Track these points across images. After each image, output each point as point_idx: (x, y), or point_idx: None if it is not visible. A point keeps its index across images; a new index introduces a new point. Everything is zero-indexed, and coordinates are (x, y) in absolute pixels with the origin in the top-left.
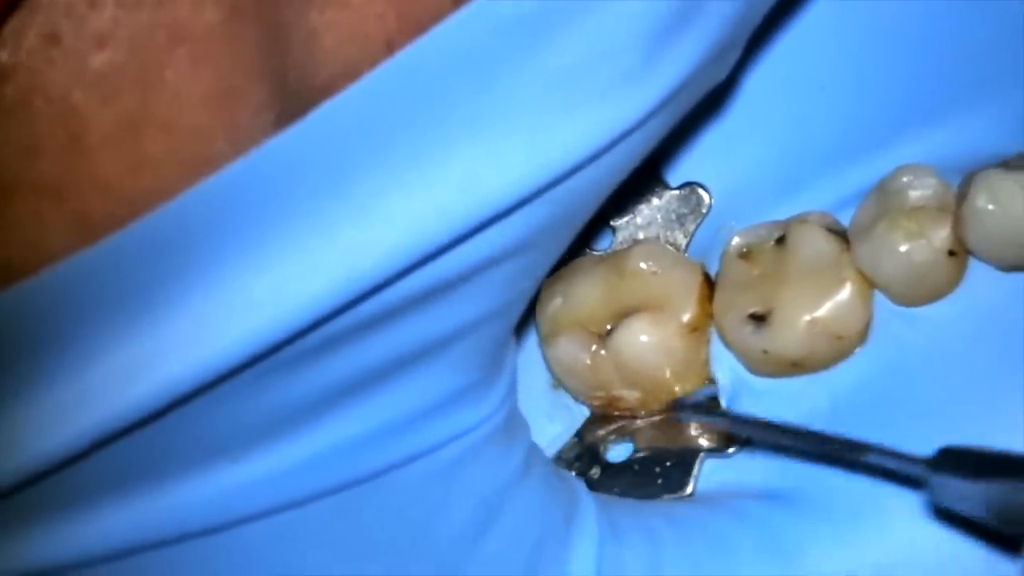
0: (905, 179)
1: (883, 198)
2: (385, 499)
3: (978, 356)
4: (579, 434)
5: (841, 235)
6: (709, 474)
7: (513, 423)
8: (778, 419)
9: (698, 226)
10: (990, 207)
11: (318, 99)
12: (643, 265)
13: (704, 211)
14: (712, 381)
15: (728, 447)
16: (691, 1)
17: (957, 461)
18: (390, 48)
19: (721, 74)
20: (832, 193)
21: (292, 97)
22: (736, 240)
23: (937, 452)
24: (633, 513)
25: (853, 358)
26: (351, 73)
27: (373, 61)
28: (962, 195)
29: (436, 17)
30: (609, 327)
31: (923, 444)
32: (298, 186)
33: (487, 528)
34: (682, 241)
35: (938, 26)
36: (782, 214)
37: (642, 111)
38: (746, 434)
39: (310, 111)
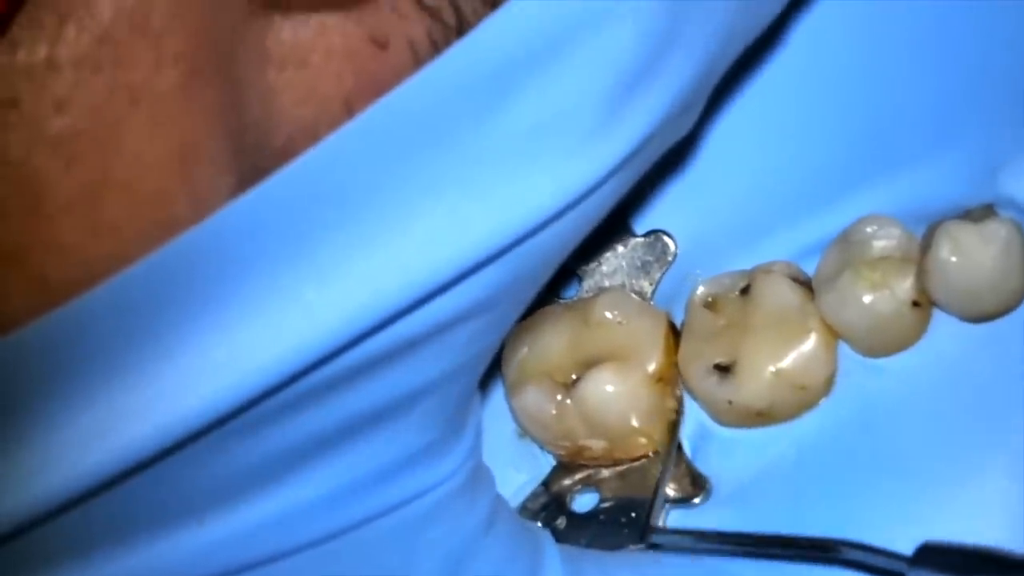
0: (869, 229)
1: (847, 248)
2: (352, 556)
3: (943, 407)
4: (545, 483)
5: (805, 285)
6: (675, 524)
7: (478, 475)
8: (736, 530)
9: (663, 274)
10: (953, 259)
11: (276, 160)
12: (608, 315)
13: (670, 259)
14: (676, 432)
15: (694, 497)
16: (653, 58)
17: (938, 558)
18: (348, 108)
19: (684, 129)
20: (796, 242)
21: (250, 158)
22: (701, 289)
23: (918, 548)
24: (598, 564)
25: (818, 408)
26: (309, 133)
27: (331, 121)
28: (926, 246)
29: (395, 78)
30: (575, 376)
31: (888, 496)
32: (258, 250)
33: None
34: (647, 289)
35: (900, 75)
36: (747, 263)
37: (605, 168)
38: (704, 548)
39: (269, 173)
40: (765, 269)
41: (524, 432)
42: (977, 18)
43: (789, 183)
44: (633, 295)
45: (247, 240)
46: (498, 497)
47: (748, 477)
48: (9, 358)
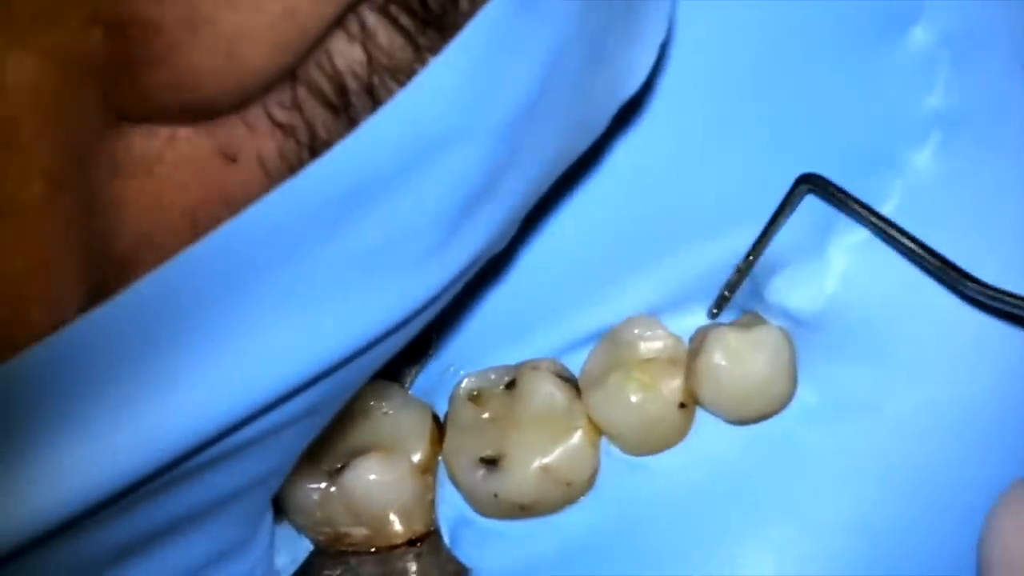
0: (636, 331)
1: (614, 348)
2: None
3: (704, 505)
4: (304, 569)
5: (571, 382)
6: None
7: (272, 566)
8: None
9: (423, 367)
10: (724, 363)
11: (117, 270)
12: (374, 404)
13: (430, 352)
14: (435, 522)
15: None
16: (492, 180)
17: None
18: (192, 219)
19: (503, 244)
20: (558, 339)
21: (96, 268)
22: (466, 383)
23: None
24: None
25: (580, 504)
26: (149, 243)
27: (173, 232)
28: (695, 350)
29: (243, 191)
30: (339, 465)
31: None
32: (108, 363)
33: None
34: (407, 381)
35: (666, 181)
36: (507, 358)
37: (441, 284)
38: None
39: (111, 283)
40: (532, 365)
41: (283, 516)
42: (750, 125)
43: (553, 280)
44: (398, 385)
45: (97, 353)
46: None
47: (509, 569)
48: None
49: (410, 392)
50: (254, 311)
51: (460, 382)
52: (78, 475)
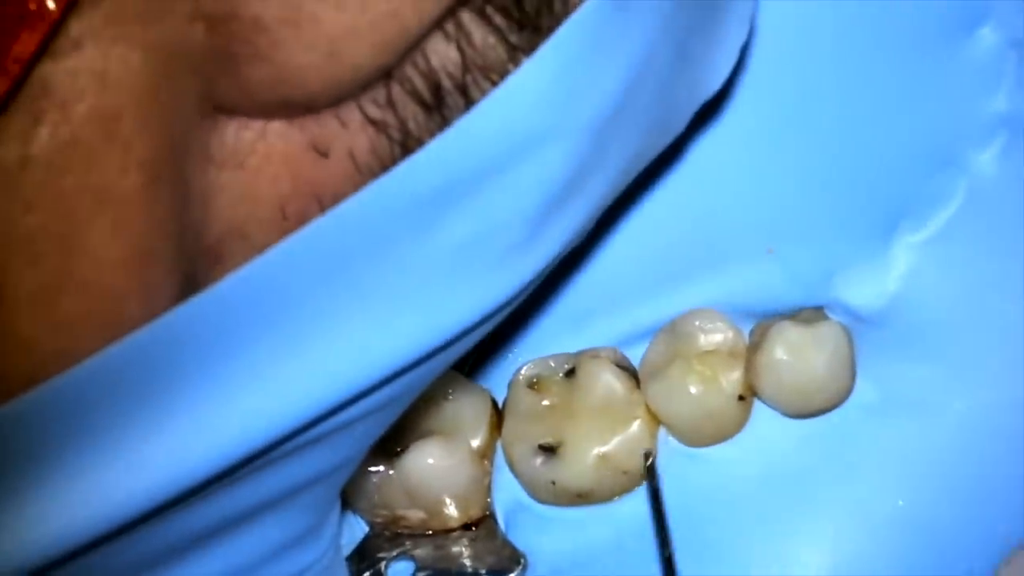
0: (697, 323)
1: (675, 340)
2: None
3: (759, 499)
4: (360, 551)
5: (630, 372)
6: None
7: (339, 549)
8: None
9: (482, 353)
10: (786, 358)
11: (206, 260)
12: (434, 389)
13: (487, 338)
14: (491, 507)
15: (509, 572)
16: (577, 178)
17: None
18: (282, 212)
19: (580, 240)
20: (619, 329)
21: (188, 259)
22: (525, 370)
23: None
24: None
25: (637, 493)
26: (239, 234)
27: (263, 224)
28: (756, 344)
29: (334, 186)
30: (399, 448)
31: None
32: (201, 353)
33: None
34: (465, 367)
35: (733, 178)
36: (567, 346)
37: (524, 281)
38: None
39: (200, 273)
40: (592, 354)
41: (340, 499)
42: (821, 124)
43: (616, 271)
44: (458, 371)
45: (191, 343)
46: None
47: (565, 555)
48: None
49: (466, 377)
50: (340, 307)
51: (520, 369)
52: (166, 463)
